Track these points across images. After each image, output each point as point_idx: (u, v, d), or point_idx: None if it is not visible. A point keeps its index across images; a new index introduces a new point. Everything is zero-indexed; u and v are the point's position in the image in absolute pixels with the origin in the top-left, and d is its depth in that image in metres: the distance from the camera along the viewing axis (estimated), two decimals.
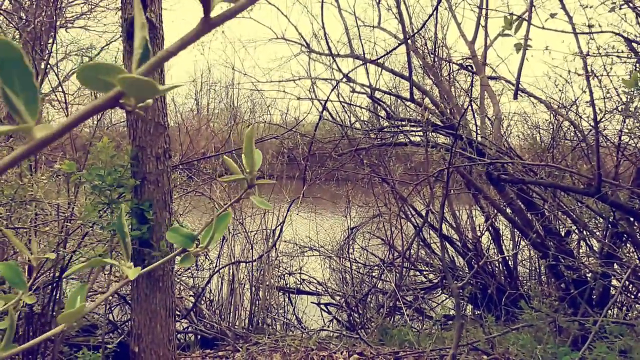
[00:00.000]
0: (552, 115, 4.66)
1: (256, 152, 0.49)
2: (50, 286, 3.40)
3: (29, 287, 0.66)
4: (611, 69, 3.38)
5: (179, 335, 5.10)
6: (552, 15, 2.63)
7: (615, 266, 3.83)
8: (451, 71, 5.48)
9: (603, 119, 3.60)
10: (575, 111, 4.22)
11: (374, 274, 6.42)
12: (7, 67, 0.32)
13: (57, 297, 3.37)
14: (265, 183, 0.56)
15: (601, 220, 4.02)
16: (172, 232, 0.60)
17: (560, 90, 4.40)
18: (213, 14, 0.33)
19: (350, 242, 6.61)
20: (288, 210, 5.72)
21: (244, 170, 0.53)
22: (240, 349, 4.13)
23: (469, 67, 5.14)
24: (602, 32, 2.99)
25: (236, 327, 5.29)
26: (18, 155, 0.33)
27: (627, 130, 3.72)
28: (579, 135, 4.27)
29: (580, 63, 3.54)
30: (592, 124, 3.21)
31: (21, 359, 3.20)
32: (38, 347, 3.29)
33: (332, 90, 5.31)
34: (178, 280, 5.51)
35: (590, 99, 3.03)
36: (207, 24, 0.33)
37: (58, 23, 5.62)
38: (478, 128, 4.83)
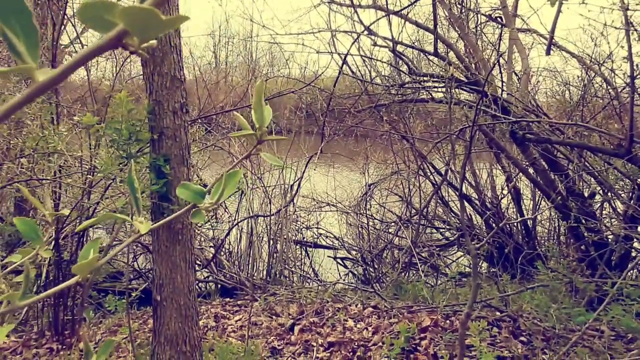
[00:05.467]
0: (583, 71, 4.41)
1: (266, 108, 0.47)
2: (77, 235, 3.55)
3: (49, 241, 0.67)
4: None
5: (200, 284, 5.31)
6: None
7: (639, 229, 3.74)
8: (479, 23, 5.20)
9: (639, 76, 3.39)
10: (610, 67, 3.98)
11: (390, 230, 6.47)
12: (5, 8, 0.31)
13: (84, 246, 3.52)
14: (275, 139, 0.53)
15: (628, 182, 3.89)
16: (182, 187, 0.59)
17: (595, 44, 4.14)
18: None
19: (368, 199, 6.63)
20: (306, 166, 5.72)
21: (254, 126, 0.50)
22: (259, 299, 4.28)
23: (499, 19, 4.86)
24: None
25: (254, 278, 5.47)
26: (22, 99, 0.33)
27: None
28: (612, 92, 4.06)
29: (617, 15, 3.30)
30: (628, 80, 3.04)
31: (52, 302, 3.40)
32: (68, 291, 3.48)
33: (353, 43, 5.12)
34: (198, 232, 5.66)
35: (629, 53, 2.85)
36: None
37: None
38: (504, 84, 4.62)
